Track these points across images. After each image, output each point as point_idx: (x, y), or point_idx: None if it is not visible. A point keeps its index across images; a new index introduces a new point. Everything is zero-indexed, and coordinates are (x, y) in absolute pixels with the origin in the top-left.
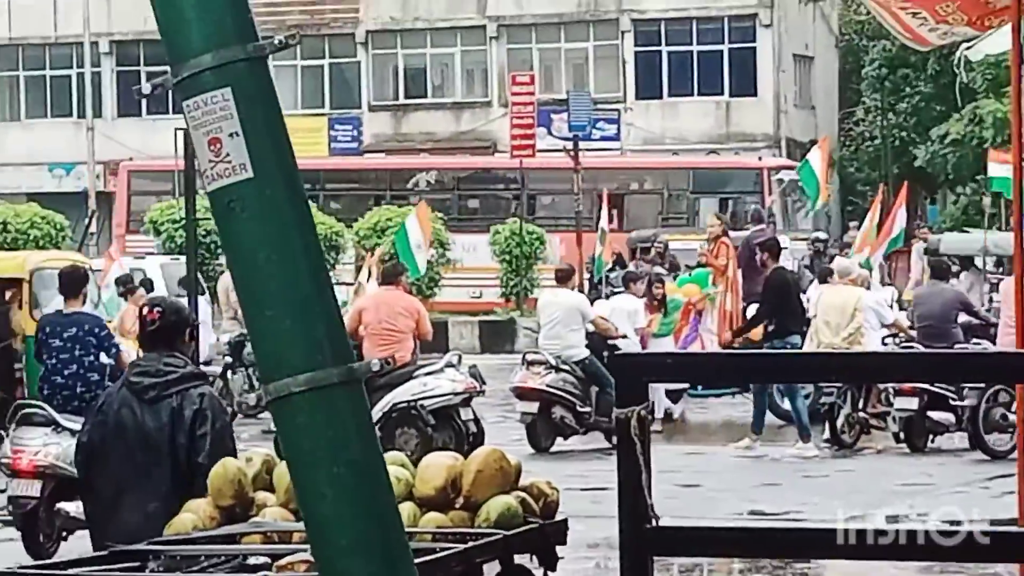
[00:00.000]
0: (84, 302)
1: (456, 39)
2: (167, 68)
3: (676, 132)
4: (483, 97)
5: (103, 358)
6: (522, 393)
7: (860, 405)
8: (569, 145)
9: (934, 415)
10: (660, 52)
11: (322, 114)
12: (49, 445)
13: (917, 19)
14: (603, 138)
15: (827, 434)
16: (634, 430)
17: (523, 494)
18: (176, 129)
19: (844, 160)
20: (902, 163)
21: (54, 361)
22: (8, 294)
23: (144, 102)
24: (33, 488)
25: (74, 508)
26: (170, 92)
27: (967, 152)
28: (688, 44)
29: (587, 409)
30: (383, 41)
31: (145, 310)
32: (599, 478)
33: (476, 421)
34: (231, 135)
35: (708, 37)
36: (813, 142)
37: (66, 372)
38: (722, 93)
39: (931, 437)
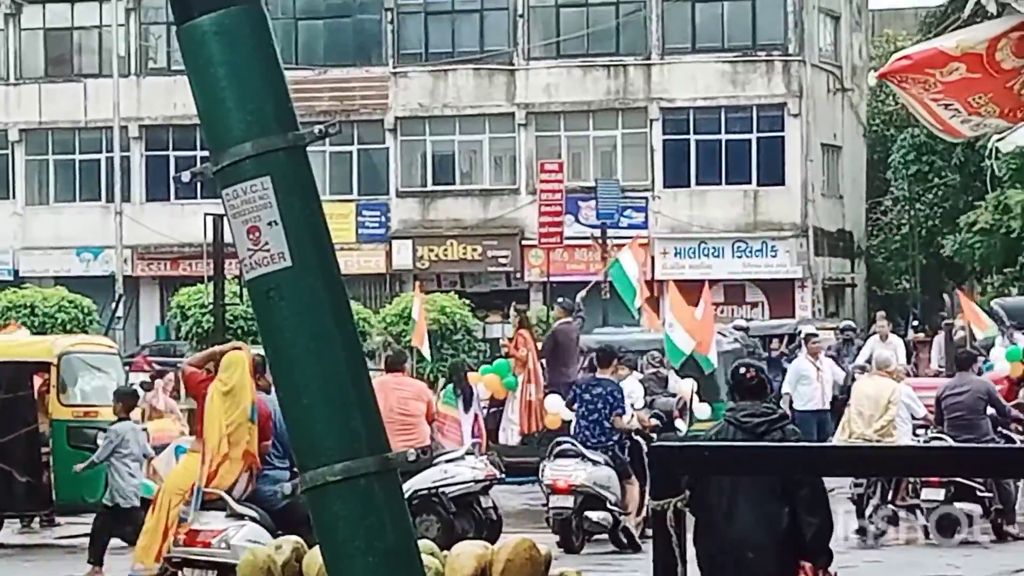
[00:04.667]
0: (613, 372)
1: (484, 126)
2: (195, 153)
3: (703, 220)
4: (511, 184)
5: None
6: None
7: (889, 496)
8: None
9: (961, 506)
10: (688, 140)
11: (350, 200)
12: (578, 470)
13: (949, 111)
14: (631, 226)
15: (856, 524)
16: (670, 522)
17: None
18: (206, 215)
19: (872, 250)
20: (929, 253)
21: (583, 410)
22: (39, 379)
23: (173, 187)
24: (568, 501)
25: (597, 516)
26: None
27: (995, 241)
28: (716, 133)
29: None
30: (411, 128)
31: (742, 370)
32: (628, 567)
33: (495, 508)
34: (270, 224)
35: (736, 126)
36: (841, 231)
37: (590, 418)
38: (750, 182)
39: (958, 528)
